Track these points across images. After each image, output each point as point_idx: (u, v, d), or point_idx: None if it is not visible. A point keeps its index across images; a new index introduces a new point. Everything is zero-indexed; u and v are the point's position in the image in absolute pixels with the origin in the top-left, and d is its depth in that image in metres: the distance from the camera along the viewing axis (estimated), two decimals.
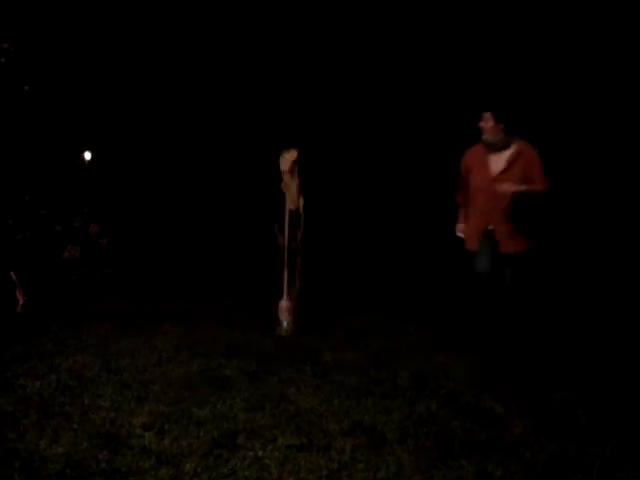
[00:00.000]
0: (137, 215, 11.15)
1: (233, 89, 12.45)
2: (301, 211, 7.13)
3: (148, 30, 11.94)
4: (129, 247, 10.42)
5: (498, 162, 6.55)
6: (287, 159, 6.93)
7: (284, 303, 7.10)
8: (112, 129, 11.59)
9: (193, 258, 10.79)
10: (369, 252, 11.31)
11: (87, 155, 11.03)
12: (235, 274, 10.24)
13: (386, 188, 12.61)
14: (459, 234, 6.97)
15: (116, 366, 5.66)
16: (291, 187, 7.05)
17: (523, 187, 6.36)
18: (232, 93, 12.44)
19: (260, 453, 4.00)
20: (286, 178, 7.01)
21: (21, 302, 7.14)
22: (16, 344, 6.20)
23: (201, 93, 12.53)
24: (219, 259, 10.81)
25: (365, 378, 5.57)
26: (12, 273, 7.17)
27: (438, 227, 11.79)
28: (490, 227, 6.55)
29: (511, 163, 6.47)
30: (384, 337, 7.09)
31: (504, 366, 6.01)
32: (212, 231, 11.50)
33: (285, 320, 7.05)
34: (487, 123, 6.50)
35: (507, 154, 6.51)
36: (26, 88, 9.57)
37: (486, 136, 6.53)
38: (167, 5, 12.01)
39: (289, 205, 7.09)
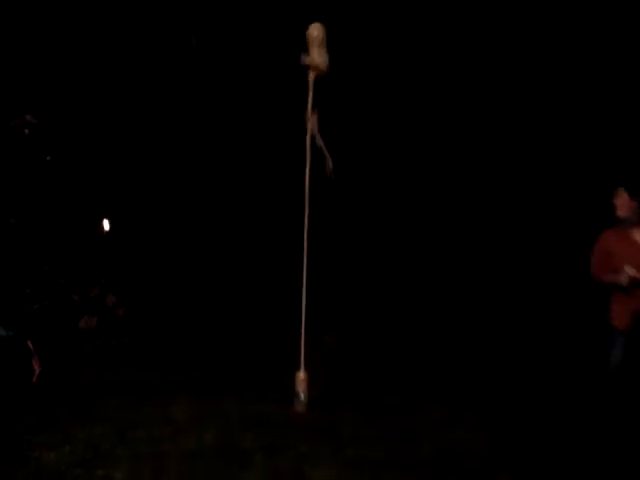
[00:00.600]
0: (153, 285, 11.19)
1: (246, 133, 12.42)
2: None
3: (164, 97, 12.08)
4: (145, 317, 10.44)
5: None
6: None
7: (301, 374, 7.04)
8: (131, 199, 11.71)
9: (208, 326, 10.79)
10: (383, 320, 11.25)
11: (106, 224, 11.13)
12: (250, 341, 10.22)
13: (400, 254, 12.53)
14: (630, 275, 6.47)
15: (131, 437, 5.62)
16: None
17: None
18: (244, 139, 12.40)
19: None
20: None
21: (37, 372, 7.14)
22: (32, 414, 6.16)
23: (217, 150, 12.56)
24: (234, 327, 10.80)
25: (383, 453, 5.49)
26: (29, 342, 7.19)
27: (455, 294, 11.82)
28: None
29: None
30: (401, 410, 7.02)
31: (524, 439, 5.93)
32: (227, 300, 11.50)
33: (302, 392, 6.99)
34: (620, 199, 6.26)
35: None
36: (48, 158, 9.72)
37: (620, 212, 6.27)
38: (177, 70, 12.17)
39: None
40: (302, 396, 6.98)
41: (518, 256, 11.80)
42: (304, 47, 7.19)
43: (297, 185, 7.22)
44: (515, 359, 9.57)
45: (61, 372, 7.91)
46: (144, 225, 11.98)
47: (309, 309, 7.13)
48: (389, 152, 12.32)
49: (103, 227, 11.02)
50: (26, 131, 9.30)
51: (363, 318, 11.14)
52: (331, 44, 7.16)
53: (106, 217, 11.04)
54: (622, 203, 6.25)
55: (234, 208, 12.44)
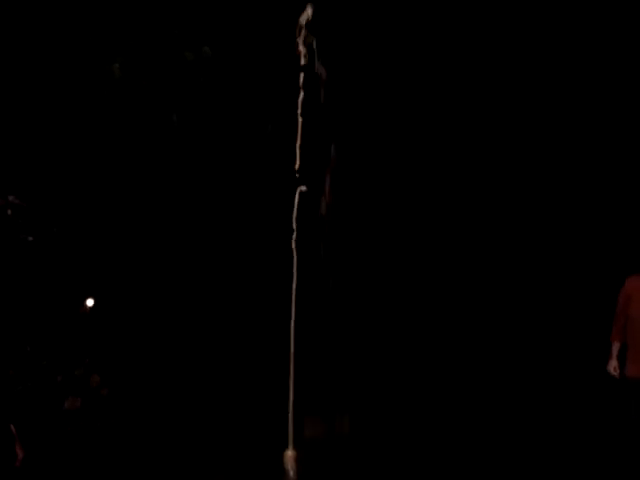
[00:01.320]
0: (138, 363, 11.04)
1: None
2: None
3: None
4: (130, 396, 10.27)
5: None
6: None
7: (290, 452, 6.94)
8: (114, 277, 11.63)
9: (194, 406, 10.61)
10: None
11: (89, 302, 11.04)
12: (235, 419, 10.05)
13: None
14: (612, 372, 6.42)
15: None
16: None
17: None
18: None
19: None
20: None
21: (20, 457, 6.96)
22: None
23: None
24: (219, 404, 10.62)
25: None
26: (11, 426, 7.03)
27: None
28: None
29: None
30: None
31: None
32: (212, 375, 11.34)
33: (292, 470, 6.87)
34: None
35: None
36: (30, 239, 9.69)
37: None
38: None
39: None
40: (292, 474, 6.87)
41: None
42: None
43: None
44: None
45: (45, 456, 7.73)
46: (128, 303, 11.88)
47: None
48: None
49: (86, 306, 10.93)
50: (9, 212, 9.29)
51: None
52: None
53: (89, 296, 10.96)
54: None
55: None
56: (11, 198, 9.25)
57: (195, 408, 10.59)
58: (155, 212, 12.13)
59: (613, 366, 6.27)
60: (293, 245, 7.20)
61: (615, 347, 6.36)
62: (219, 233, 11.42)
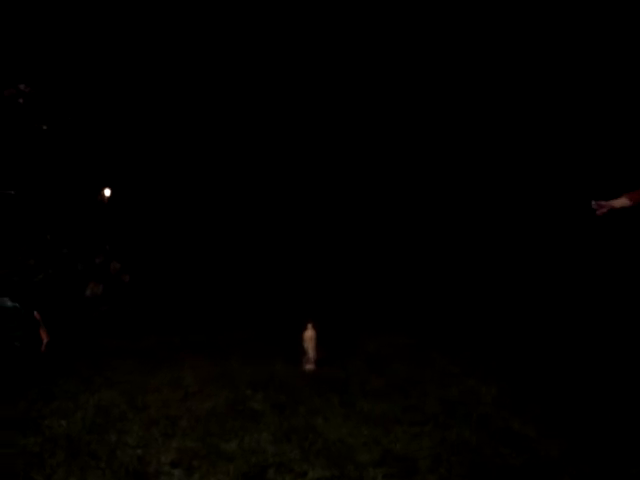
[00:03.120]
0: (157, 250, 11.16)
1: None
2: None
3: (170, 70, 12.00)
4: (150, 282, 10.43)
5: None
6: None
7: (309, 332, 7.04)
8: (132, 166, 11.64)
9: (212, 289, 10.79)
10: (384, 273, 11.24)
11: (107, 192, 11.06)
12: (256, 303, 10.22)
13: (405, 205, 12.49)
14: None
15: (142, 402, 5.61)
16: None
17: None
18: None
19: None
20: None
21: (45, 341, 7.13)
22: (41, 384, 6.16)
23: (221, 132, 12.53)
24: (240, 288, 10.80)
25: (393, 405, 5.50)
26: (36, 312, 7.17)
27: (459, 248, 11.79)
28: None
29: None
30: (408, 362, 7.04)
31: (531, 387, 5.95)
32: (232, 260, 11.49)
33: (310, 350, 6.99)
34: None
35: None
36: (44, 127, 9.63)
37: None
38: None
39: None
40: (310, 354, 6.99)
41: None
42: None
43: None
44: (521, 310, 9.57)
45: (69, 341, 7.91)
46: (146, 191, 11.94)
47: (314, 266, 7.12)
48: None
49: (104, 195, 10.96)
50: (20, 100, 9.20)
51: (366, 270, 11.15)
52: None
53: (107, 185, 10.97)
54: None
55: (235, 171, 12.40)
56: (22, 86, 9.14)
57: (213, 292, 10.78)
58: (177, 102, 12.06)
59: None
60: None
61: None
62: None
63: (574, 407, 5.39)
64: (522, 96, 11.56)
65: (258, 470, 4.15)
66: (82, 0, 10.90)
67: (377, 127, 12.33)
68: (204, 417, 5.21)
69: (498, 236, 11.48)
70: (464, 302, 9.80)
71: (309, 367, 6.93)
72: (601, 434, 4.72)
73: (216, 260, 11.80)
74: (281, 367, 6.91)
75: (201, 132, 12.53)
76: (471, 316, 9.09)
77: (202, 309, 9.99)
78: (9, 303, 7.14)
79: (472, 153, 12.16)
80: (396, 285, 10.87)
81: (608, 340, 7.51)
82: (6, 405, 5.47)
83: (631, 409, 5.28)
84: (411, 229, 12.29)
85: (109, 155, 11.20)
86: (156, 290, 10.51)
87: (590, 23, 11.14)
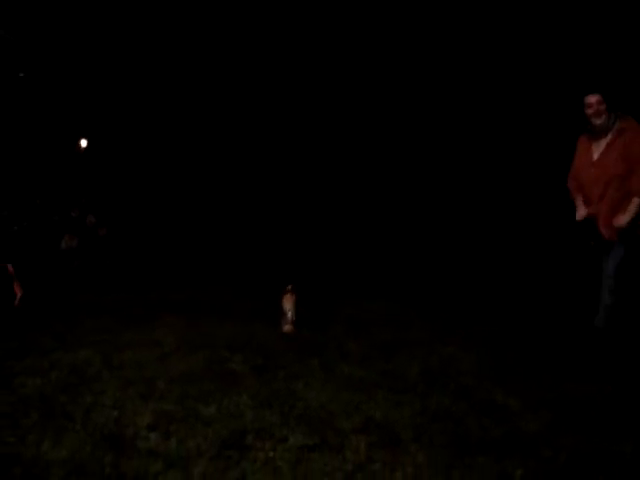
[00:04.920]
0: (135, 205, 10.98)
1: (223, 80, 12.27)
2: None
3: (142, 20, 11.76)
4: (127, 237, 10.27)
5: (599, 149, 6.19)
6: None
7: (288, 294, 6.96)
8: (109, 117, 11.39)
9: (193, 247, 10.65)
10: (365, 240, 11.17)
11: (83, 143, 10.82)
12: (235, 262, 10.10)
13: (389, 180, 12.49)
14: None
15: (118, 361, 5.52)
16: None
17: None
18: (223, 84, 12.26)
19: (271, 454, 3.83)
20: None
21: (19, 296, 6.99)
22: (14, 339, 6.04)
23: (193, 85, 12.35)
24: (218, 247, 10.67)
25: (373, 371, 5.44)
26: (9, 266, 7.02)
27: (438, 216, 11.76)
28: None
29: (612, 143, 6.06)
30: (387, 327, 7.00)
31: (513, 357, 5.91)
32: (211, 218, 11.34)
33: (289, 311, 6.91)
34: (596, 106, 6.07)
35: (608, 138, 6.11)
36: (21, 75, 9.39)
37: (595, 120, 6.11)
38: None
39: None
40: (289, 315, 6.91)
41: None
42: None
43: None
44: (502, 278, 9.55)
45: (43, 295, 7.77)
46: (123, 143, 11.72)
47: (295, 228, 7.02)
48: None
49: (80, 145, 10.72)
50: None
51: (350, 235, 11.06)
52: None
53: (84, 135, 10.73)
54: (601, 110, 6.10)
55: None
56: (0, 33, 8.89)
57: (192, 249, 10.65)
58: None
59: (579, 213, 6.35)
60: None
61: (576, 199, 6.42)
62: None
63: (556, 377, 5.37)
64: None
65: (237, 435, 4.06)
66: None
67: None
68: (181, 378, 5.12)
69: (479, 203, 11.46)
70: (447, 267, 9.75)
71: (287, 328, 6.86)
72: (584, 407, 4.68)
73: (196, 217, 11.66)
74: (260, 328, 6.84)
75: (180, 88, 12.31)
76: (453, 281, 9.04)
77: (180, 266, 9.87)
78: None
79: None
80: (378, 251, 10.80)
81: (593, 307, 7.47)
82: None
83: (617, 382, 5.25)
84: (394, 198, 12.25)
85: (87, 105, 10.95)
86: (133, 245, 10.35)
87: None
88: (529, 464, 3.78)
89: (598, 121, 6.10)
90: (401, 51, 11.88)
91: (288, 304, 6.91)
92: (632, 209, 5.94)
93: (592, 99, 6.10)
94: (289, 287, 6.96)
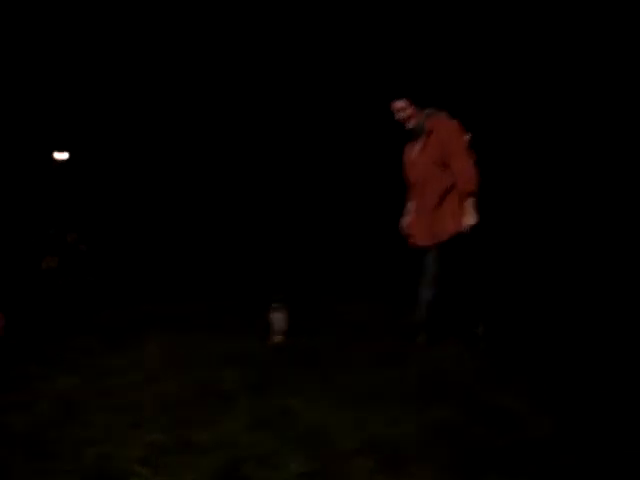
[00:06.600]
0: (117, 218, 10.77)
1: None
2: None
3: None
4: (110, 252, 10.06)
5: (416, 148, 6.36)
6: None
7: (276, 308, 6.81)
8: (88, 126, 11.17)
9: (177, 259, 10.46)
10: (354, 241, 11.02)
11: (62, 155, 10.57)
12: (222, 273, 9.92)
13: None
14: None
15: (105, 387, 5.33)
16: None
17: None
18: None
19: None
20: None
21: (1, 325, 6.79)
22: None
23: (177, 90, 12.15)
24: (204, 259, 10.48)
25: (370, 380, 5.28)
26: None
27: None
28: None
29: (424, 145, 6.22)
30: (379, 330, 6.86)
31: (510, 360, 5.78)
32: (196, 229, 11.15)
33: (279, 321, 6.76)
34: (407, 110, 6.24)
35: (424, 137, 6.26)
36: None
37: (409, 124, 6.29)
38: None
39: None
40: (280, 326, 6.76)
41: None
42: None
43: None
44: (501, 274, 9.42)
45: (26, 320, 7.58)
46: (104, 156, 11.51)
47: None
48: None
49: (57, 160, 10.49)
50: None
51: (336, 235, 10.91)
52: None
53: (62, 148, 10.51)
54: (409, 114, 6.21)
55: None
56: None
57: (177, 263, 10.46)
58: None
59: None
60: None
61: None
62: None
63: (555, 378, 5.23)
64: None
65: (233, 465, 3.86)
66: None
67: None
68: (171, 403, 4.93)
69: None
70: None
71: (278, 339, 6.71)
72: (586, 408, 4.53)
73: (179, 230, 11.47)
74: (250, 341, 6.70)
75: (159, 95, 12.11)
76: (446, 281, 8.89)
77: (165, 279, 9.68)
78: None
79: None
80: (369, 251, 10.66)
81: (599, 307, 7.36)
82: None
83: (626, 384, 5.10)
84: (384, 198, 12.10)
85: (66, 114, 10.74)
86: (117, 260, 10.16)
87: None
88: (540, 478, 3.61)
89: (410, 125, 6.27)
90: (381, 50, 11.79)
91: (277, 315, 6.76)
92: (468, 208, 6.10)
93: (395, 105, 6.24)
94: (278, 297, 6.81)
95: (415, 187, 6.36)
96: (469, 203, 6.07)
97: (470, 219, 6.08)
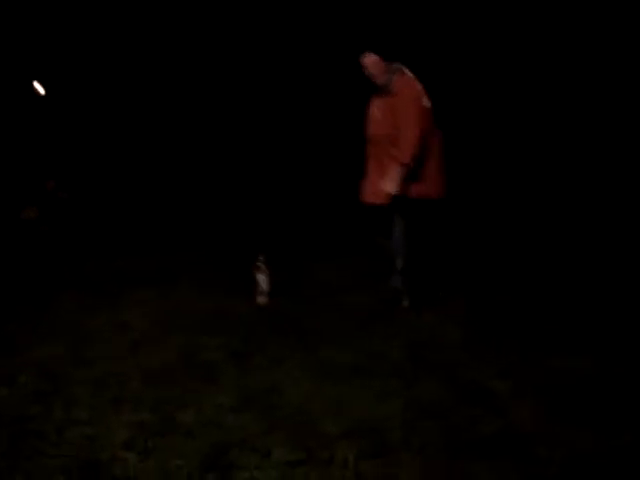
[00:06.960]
0: (99, 165, 10.60)
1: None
2: None
3: None
4: (93, 200, 9.94)
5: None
6: None
7: (260, 265, 6.77)
8: (68, 72, 10.91)
9: (161, 210, 10.35)
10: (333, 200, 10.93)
11: (40, 89, 10.32)
12: (205, 226, 9.85)
13: None
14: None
15: (88, 357, 5.30)
16: None
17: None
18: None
19: (255, 473, 3.65)
20: None
21: None
22: None
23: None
24: (188, 211, 10.38)
25: (354, 352, 5.29)
26: None
27: None
28: None
29: (387, 105, 6.15)
30: (364, 294, 6.85)
31: (496, 329, 5.80)
32: (179, 182, 11.02)
33: (263, 283, 6.74)
34: (375, 66, 6.19)
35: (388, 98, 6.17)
36: None
37: (379, 80, 6.22)
38: None
39: None
40: (263, 287, 6.73)
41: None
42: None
43: None
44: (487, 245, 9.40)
45: (6, 278, 7.52)
46: (84, 97, 11.26)
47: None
48: None
49: (37, 90, 10.25)
50: None
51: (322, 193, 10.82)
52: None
53: (37, 80, 10.26)
54: (379, 70, 6.15)
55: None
56: None
57: (161, 215, 10.35)
58: None
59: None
60: None
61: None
62: None
63: (539, 351, 5.25)
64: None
65: (220, 450, 3.84)
66: None
67: None
68: (155, 375, 4.91)
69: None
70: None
71: (262, 300, 6.69)
72: (573, 388, 4.56)
73: (162, 178, 11.32)
74: (233, 301, 6.67)
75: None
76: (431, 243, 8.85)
77: (148, 230, 9.59)
78: None
79: None
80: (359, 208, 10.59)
81: (590, 287, 7.34)
82: None
83: (612, 366, 5.11)
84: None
85: (45, 55, 10.48)
86: (100, 208, 10.04)
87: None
88: (525, 467, 3.63)
89: (378, 81, 6.20)
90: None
91: (261, 275, 6.72)
92: (393, 176, 6.07)
93: (364, 61, 6.18)
94: (261, 258, 6.76)
95: (371, 143, 6.33)
96: (395, 170, 6.02)
97: (389, 186, 6.05)
